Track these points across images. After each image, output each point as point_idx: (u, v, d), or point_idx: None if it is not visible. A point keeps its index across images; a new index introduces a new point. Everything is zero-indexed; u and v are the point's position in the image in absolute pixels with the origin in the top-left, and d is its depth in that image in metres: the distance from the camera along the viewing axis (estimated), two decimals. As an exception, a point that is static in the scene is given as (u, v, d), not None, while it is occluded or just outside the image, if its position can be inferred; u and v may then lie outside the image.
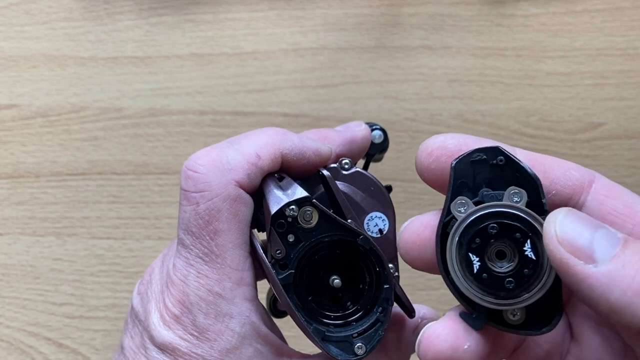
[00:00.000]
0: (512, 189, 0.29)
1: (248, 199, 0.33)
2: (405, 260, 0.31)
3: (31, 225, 0.54)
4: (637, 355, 0.30)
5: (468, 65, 0.56)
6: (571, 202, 0.30)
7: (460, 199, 0.29)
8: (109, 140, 0.55)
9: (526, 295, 0.29)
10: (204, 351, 0.33)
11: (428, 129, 0.55)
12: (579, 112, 0.56)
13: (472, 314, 0.29)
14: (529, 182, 0.29)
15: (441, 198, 0.29)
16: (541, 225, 0.28)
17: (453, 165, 0.29)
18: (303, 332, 0.32)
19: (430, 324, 0.29)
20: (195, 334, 0.33)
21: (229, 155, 0.33)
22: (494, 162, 0.29)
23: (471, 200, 0.29)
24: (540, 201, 0.29)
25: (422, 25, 0.56)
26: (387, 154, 0.55)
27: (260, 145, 0.34)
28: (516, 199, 0.29)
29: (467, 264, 0.29)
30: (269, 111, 0.55)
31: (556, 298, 0.29)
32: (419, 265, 0.30)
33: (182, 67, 0.56)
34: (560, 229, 0.27)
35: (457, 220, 0.29)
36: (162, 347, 0.33)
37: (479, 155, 0.29)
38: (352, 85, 0.56)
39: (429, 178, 0.30)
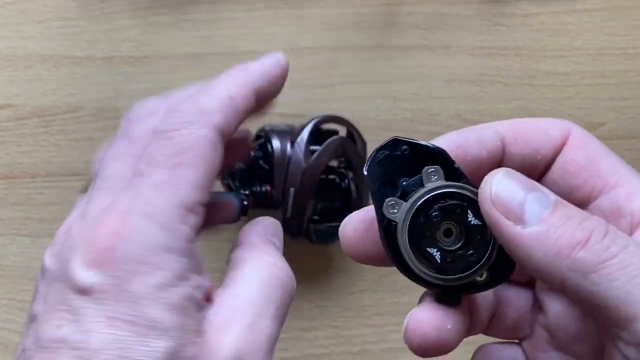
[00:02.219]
0: (427, 169, 0.30)
1: (221, 147, 0.33)
2: (351, 257, 0.31)
3: (27, 226, 0.54)
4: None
5: (467, 65, 0.56)
6: (554, 159, 0.31)
7: (389, 201, 0.30)
8: (105, 141, 0.55)
9: (485, 258, 0.29)
10: (136, 288, 0.29)
11: (426, 129, 0.55)
12: (579, 112, 0.56)
13: (446, 294, 0.30)
14: (436, 156, 0.30)
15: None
16: (469, 190, 0.29)
17: (366, 173, 0.30)
18: None
19: (412, 311, 0.30)
20: (129, 267, 0.29)
21: (202, 100, 0.33)
22: (398, 153, 0.30)
23: (396, 196, 0.30)
24: (453, 167, 0.30)
25: (421, 25, 0.56)
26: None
27: (229, 88, 0.34)
28: (434, 177, 0.30)
29: (428, 258, 0.29)
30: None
31: None
32: (363, 260, 0.31)
33: (179, 67, 0.55)
34: (495, 190, 0.28)
35: (394, 222, 0.30)
36: (85, 292, 0.29)
37: (382, 153, 0.30)
38: (350, 85, 0.55)
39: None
